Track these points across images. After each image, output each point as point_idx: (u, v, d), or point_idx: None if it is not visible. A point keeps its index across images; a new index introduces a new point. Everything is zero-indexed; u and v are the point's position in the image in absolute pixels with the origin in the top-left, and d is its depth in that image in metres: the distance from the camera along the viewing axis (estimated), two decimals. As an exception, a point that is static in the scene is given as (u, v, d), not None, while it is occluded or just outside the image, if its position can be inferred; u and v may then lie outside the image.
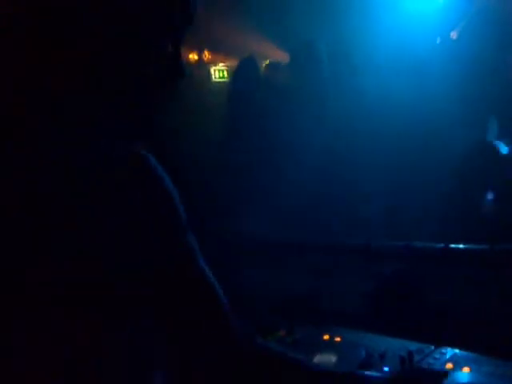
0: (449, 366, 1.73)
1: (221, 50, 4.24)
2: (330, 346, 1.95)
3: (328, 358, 1.87)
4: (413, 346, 1.90)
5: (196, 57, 4.11)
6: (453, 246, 2.43)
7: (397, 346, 1.94)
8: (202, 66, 4.17)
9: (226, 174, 3.17)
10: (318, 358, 1.88)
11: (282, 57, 4.08)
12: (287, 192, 2.73)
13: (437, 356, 1.81)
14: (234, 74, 3.85)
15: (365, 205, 2.56)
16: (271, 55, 4.12)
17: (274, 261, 2.76)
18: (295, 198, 2.73)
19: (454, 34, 3.51)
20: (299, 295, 2.65)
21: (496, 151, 2.91)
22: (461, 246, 2.37)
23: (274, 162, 3.04)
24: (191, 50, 4.02)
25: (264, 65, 4.08)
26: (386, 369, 1.79)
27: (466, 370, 1.69)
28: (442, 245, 2.44)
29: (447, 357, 1.80)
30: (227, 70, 4.25)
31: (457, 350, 1.83)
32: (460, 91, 2.84)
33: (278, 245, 2.79)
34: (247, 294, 2.76)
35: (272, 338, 2.11)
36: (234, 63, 3.95)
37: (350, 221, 2.53)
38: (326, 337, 2.05)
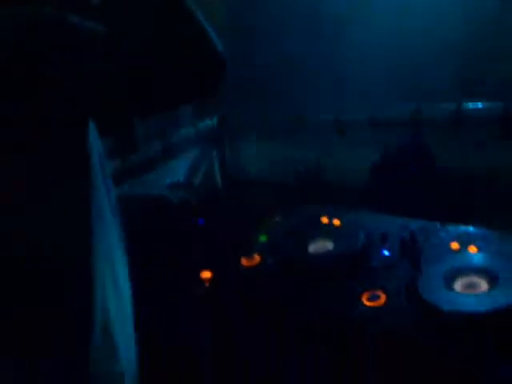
0: (454, 245, 1.58)
1: None
2: (327, 231, 1.80)
3: (324, 245, 1.73)
4: (416, 224, 1.74)
5: None
6: (465, 106, 2.19)
7: (399, 225, 1.78)
8: None
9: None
10: (314, 246, 1.74)
11: None
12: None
13: (442, 235, 1.66)
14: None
15: (367, 69, 2.32)
16: None
17: (276, 135, 2.59)
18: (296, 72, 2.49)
19: None
20: (303, 170, 2.50)
21: None
22: (471, 105, 2.13)
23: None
24: None
25: None
26: (385, 252, 1.64)
27: (472, 249, 1.54)
28: (453, 105, 2.21)
29: (453, 235, 1.64)
30: None
31: (464, 227, 1.67)
32: None
33: (280, 121, 2.60)
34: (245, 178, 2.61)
35: (268, 223, 1.98)
36: None
37: (352, 90, 2.30)
38: (325, 220, 1.89)
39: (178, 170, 2.44)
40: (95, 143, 0.95)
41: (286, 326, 1.53)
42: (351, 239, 1.69)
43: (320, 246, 1.73)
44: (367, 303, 1.43)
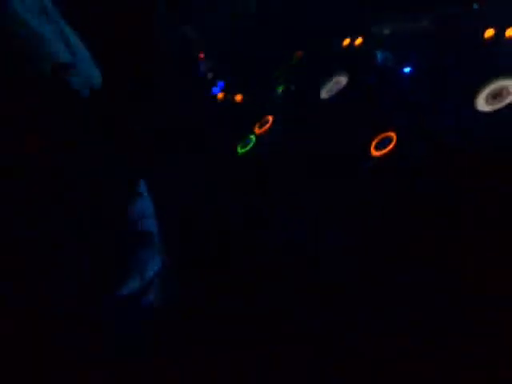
0: (489, 32, 1.13)
1: None
2: (344, 59, 1.43)
3: (338, 81, 1.37)
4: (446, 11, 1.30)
5: None
6: None
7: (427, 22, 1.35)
8: None
9: None
10: (328, 86, 1.39)
11: None
12: None
13: (475, 21, 1.21)
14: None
15: None
16: None
17: None
18: None
19: None
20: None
21: None
22: None
23: None
24: None
25: None
26: (406, 70, 1.25)
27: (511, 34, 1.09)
28: None
29: (490, 17, 1.19)
30: None
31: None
32: None
33: None
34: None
35: (286, 67, 1.63)
36: None
37: None
38: (346, 42, 1.50)
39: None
40: None
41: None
42: (367, 66, 1.31)
43: (334, 84, 1.37)
44: (375, 153, 1.09)
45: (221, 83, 1.78)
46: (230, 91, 1.69)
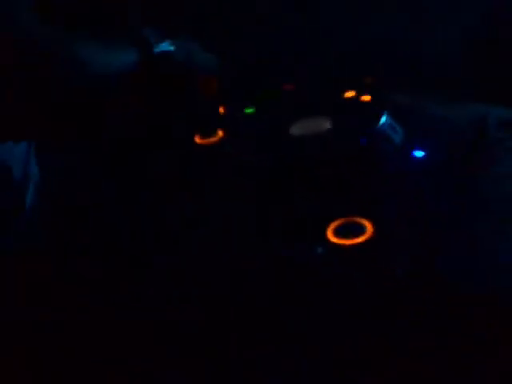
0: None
1: None
2: (340, 105, 1.09)
3: (319, 124, 1.01)
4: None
5: None
6: None
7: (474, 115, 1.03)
8: None
9: None
10: (305, 124, 1.03)
11: None
12: None
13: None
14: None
15: None
16: None
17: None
18: None
19: None
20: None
21: None
22: None
23: None
24: None
25: None
26: (417, 154, 0.90)
27: None
28: None
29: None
30: None
31: None
32: None
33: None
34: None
35: (269, 92, 1.29)
36: None
37: None
38: (350, 93, 1.17)
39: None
40: None
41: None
42: (365, 117, 0.96)
43: (311, 124, 1.01)
44: (334, 239, 0.72)
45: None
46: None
